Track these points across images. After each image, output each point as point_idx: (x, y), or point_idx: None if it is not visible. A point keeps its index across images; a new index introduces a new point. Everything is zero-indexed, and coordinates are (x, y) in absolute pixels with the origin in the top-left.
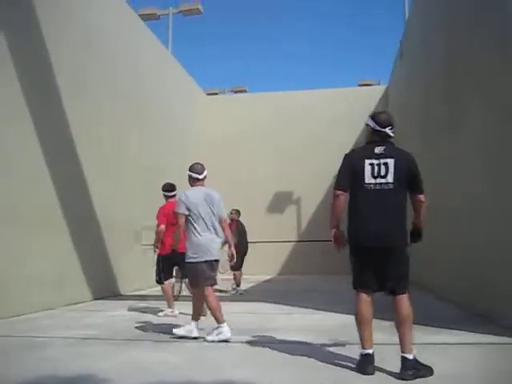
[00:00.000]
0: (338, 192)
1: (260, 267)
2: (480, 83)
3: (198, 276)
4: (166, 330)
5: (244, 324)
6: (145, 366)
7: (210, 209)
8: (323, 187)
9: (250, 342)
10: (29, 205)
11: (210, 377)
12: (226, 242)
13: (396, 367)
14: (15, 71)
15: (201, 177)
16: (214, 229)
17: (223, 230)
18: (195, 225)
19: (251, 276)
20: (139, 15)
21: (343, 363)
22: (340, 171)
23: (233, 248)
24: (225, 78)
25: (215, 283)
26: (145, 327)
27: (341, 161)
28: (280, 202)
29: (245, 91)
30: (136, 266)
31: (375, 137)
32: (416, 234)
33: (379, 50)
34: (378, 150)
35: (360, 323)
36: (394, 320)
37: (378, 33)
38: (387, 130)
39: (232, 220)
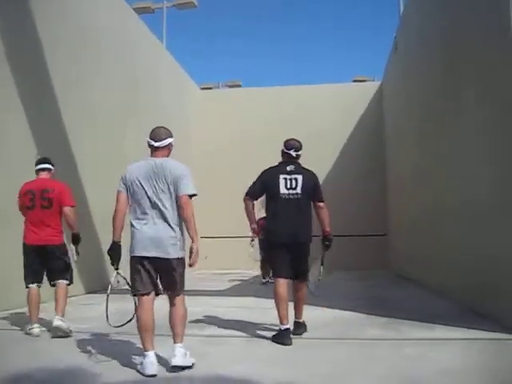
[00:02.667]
0: (246, 197)
1: (245, 263)
2: (480, 77)
3: (132, 277)
4: (161, 324)
5: (239, 319)
6: (139, 361)
7: (157, 187)
8: None
9: (246, 338)
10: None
11: (207, 372)
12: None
13: (394, 364)
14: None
15: (156, 144)
16: (162, 215)
17: (182, 213)
18: (132, 208)
19: (245, 271)
20: (133, 9)
21: (339, 358)
22: (255, 182)
23: (195, 243)
24: (219, 73)
25: (156, 292)
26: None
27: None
28: None
29: (239, 86)
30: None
31: (284, 157)
32: (327, 240)
33: (374, 47)
34: (289, 168)
35: (278, 303)
36: (294, 299)
37: (372, 29)
38: (291, 151)
39: None
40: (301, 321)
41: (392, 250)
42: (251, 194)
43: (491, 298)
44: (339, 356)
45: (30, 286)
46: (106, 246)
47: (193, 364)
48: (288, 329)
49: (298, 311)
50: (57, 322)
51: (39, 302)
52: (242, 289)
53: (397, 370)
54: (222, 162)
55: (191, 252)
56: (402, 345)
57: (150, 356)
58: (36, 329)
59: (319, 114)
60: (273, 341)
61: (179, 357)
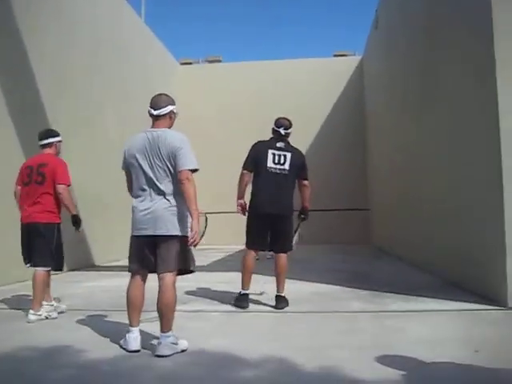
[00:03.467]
0: (244, 171)
1: (234, 237)
2: (463, 54)
3: (129, 254)
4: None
5: (223, 294)
6: (122, 337)
7: (152, 161)
8: None
9: (228, 312)
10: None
11: (188, 348)
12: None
13: (373, 335)
14: None
15: (155, 112)
16: (159, 191)
17: (183, 190)
18: (133, 185)
19: (225, 246)
20: None
21: (319, 331)
22: (248, 156)
23: (195, 222)
24: (199, 48)
25: (151, 270)
26: (121, 298)
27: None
28: None
29: (220, 61)
30: (111, 238)
31: (275, 134)
32: (303, 213)
33: (354, 20)
34: (279, 144)
35: (245, 272)
36: (274, 271)
37: (352, 2)
38: (281, 129)
39: None
40: (282, 294)
41: (374, 224)
42: (246, 167)
43: (470, 272)
44: (320, 329)
45: (28, 267)
46: (87, 224)
47: (183, 350)
48: (246, 294)
49: (278, 284)
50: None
51: (34, 283)
52: (226, 264)
53: (376, 341)
54: (204, 138)
55: (191, 230)
56: (383, 317)
57: (134, 331)
58: (30, 315)
59: (300, 88)
60: (233, 305)
61: (164, 348)
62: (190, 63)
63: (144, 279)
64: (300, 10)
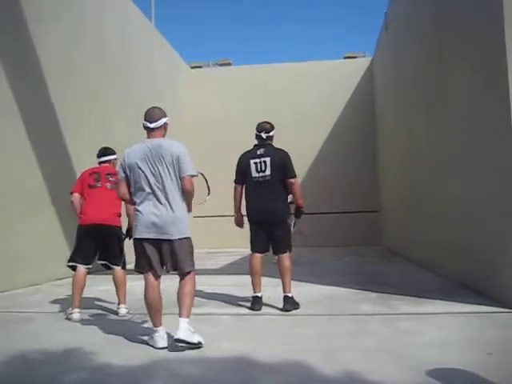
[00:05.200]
0: (236, 185)
1: (240, 241)
2: (474, 55)
3: (136, 257)
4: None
5: (233, 297)
6: (132, 340)
7: (155, 168)
8: (307, 160)
9: (238, 316)
10: (15, 187)
11: (196, 349)
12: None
13: (384, 338)
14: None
15: (151, 125)
16: (162, 196)
17: (185, 193)
18: (134, 191)
19: (235, 249)
20: None
21: (329, 333)
22: (236, 170)
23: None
24: (209, 51)
25: (160, 271)
26: (131, 301)
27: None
28: None
29: (229, 64)
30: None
31: (257, 139)
32: (298, 211)
33: (364, 22)
34: (259, 151)
35: (252, 274)
36: (278, 271)
37: (362, 4)
38: (262, 134)
39: None
40: (289, 295)
41: (384, 226)
42: (236, 181)
43: (481, 274)
44: (330, 331)
45: (78, 266)
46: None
47: (199, 343)
48: (257, 296)
49: (283, 284)
50: (122, 311)
51: (84, 285)
52: (236, 267)
53: (386, 343)
54: (213, 141)
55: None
56: (393, 319)
57: (160, 331)
58: (76, 314)
59: (310, 91)
60: (249, 308)
61: (181, 330)
62: (201, 67)
63: (157, 280)
64: (309, 12)
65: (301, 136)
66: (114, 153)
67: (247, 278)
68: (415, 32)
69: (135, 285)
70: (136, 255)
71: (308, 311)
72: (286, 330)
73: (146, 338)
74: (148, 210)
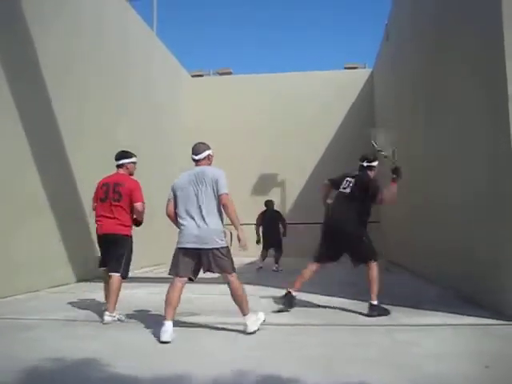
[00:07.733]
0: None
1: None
2: (473, 65)
3: (173, 261)
4: (154, 310)
5: (231, 306)
6: (131, 348)
7: (197, 189)
8: (308, 170)
9: (236, 324)
10: (16, 191)
11: (195, 360)
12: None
13: (383, 349)
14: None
15: (196, 157)
16: (204, 212)
17: (224, 209)
18: (179, 209)
19: (239, 258)
20: None
21: (328, 343)
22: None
23: (239, 232)
24: (209, 60)
25: (190, 278)
26: (130, 308)
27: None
28: (264, 185)
29: (230, 73)
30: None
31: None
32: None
33: (365, 33)
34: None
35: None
36: (367, 280)
37: (363, 14)
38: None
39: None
40: (374, 302)
41: (384, 236)
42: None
43: (481, 286)
44: (329, 341)
45: (103, 269)
46: (95, 236)
47: (264, 320)
48: (287, 294)
49: (371, 291)
50: (107, 318)
51: (110, 288)
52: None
53: (386, 355)
54: (215, 150)
55: (238, 239)
56: (393, 330)
57: (167, 325)
58: (106, 317)
59: (310, 100)
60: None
61: (250, 326)
62: (201, 75)
63: (183, 284)
64: (311, 20)
65: (301, 145)
66: (130, 156)
67: (249, 288)
68: (416, 43)
69: (135, 292)
70: (173, 260)
71: (307, 321)
72: (283, 339)
73: (149, 345)
74: (191, 224)
